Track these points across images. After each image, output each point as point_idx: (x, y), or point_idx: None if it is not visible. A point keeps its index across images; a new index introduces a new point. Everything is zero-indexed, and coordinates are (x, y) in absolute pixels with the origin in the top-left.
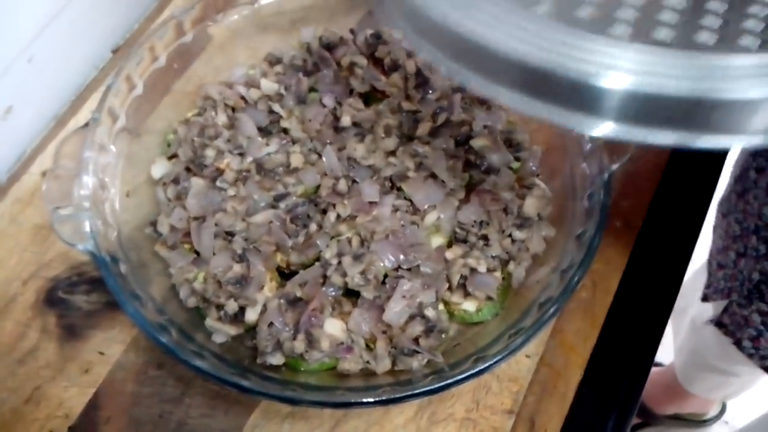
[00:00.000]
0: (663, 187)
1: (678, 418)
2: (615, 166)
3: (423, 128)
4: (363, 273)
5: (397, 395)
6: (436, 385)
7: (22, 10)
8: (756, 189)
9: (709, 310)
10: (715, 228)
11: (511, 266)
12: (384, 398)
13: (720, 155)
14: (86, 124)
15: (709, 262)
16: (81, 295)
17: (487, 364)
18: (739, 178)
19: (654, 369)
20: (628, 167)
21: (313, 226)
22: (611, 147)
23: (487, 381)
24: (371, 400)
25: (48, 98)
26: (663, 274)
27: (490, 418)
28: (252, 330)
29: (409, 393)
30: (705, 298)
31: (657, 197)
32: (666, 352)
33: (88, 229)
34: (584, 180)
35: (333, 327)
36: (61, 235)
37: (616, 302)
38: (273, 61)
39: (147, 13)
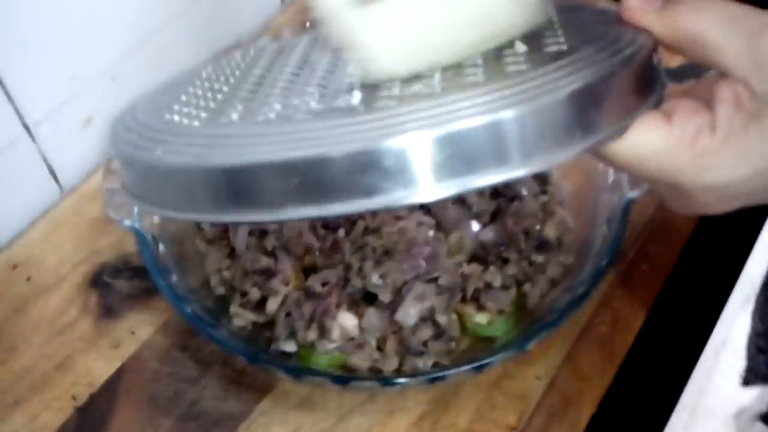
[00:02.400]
0: (696, 239)
1: None
2: (634, 194)
3: None
4: (382, 276)
5: (399, 379)
6: (438, 374)
7: (112, 34)
8: None
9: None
10: (754, 313)
11: (527, 287)
12: (387, 379)
13: (758, 215)
14: None
15: (749, 347)
16: (123, 281)
17: (489, 360)
18: None
19: None
20: (659, 215)
21: (341, 232)
22: (633, 178)
23: (493, 395)
24: (374, 383)
25: None
26: (689, 323)
27: None
28: (270, 324)
29: (409, 377)
30: (746, 382)
31: (688, 249)
32: None
33: (136, 209)
34: (605, 209)
35: (346, 319)
36: (110, 209)
37: (638, 344)
38: None
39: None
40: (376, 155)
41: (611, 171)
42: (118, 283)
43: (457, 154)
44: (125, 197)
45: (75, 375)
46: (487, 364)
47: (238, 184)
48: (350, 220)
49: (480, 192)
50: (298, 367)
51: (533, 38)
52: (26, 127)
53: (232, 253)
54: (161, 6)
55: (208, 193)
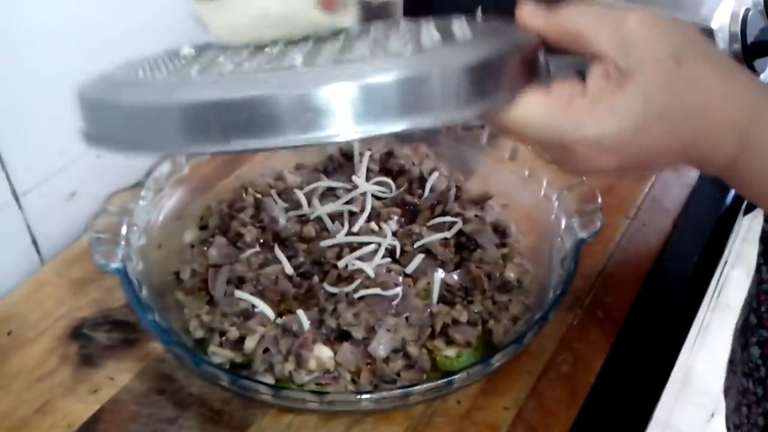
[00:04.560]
0: (647, 289)
1: None
2: (584, 235)
3: (422, 218)
4: (355, 315)
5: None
6: (410, 389)
7: None
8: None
9: None
10: (726, 390)
11: (492, 323)
12: (366, 395)
13: (708, 264)
14: (139, 183)
15: (727, 427)
16: (103, 333)
17: (460, 374)
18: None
19: None
20: (612, 268)
21: (315, 279)
22: (583, 222)
23: (464, 426)
24: (358, 397)
25: (109, 188)
26: (647, 366)
27: None
28: (247, 365)
29: (383, 391)
30: None
31: (640, 298)
32: None
33: (120, 254)
34: (560, 251)
35: (322, 351)
36: (96, 255)
37: (600, 383)
38: (300, 167)
39: None
40: (308, 98)
41: (563, 220)
42: (98, 335)
43: (375, 102)
44: (89, 142)
45: (54, 418)
46: (455, 379)
47: (192, 120)
48: (324, 270)
49: (444, 244)
50: (278, 386)
51: (445, 31)
52: (15, 195)
53: (210, 302)
54: None
55: (168, 128)
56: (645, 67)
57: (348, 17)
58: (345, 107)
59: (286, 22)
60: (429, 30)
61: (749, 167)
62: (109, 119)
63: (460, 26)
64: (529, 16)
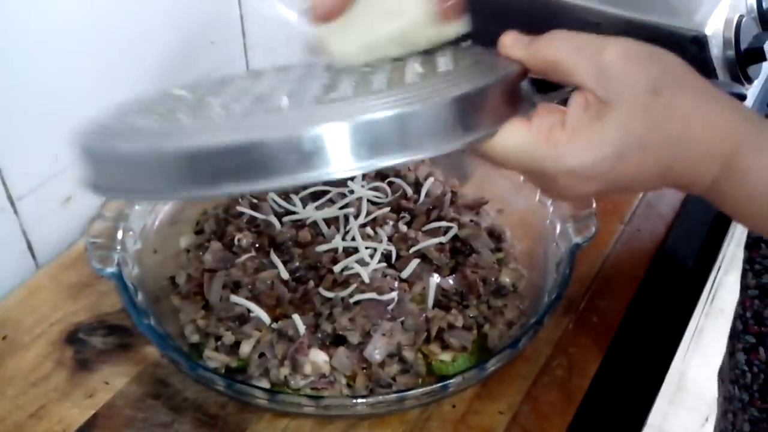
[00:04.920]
0: (642, 293)
1: None
2: (579, 240)
3: (417, 223)
4: (351, 320)
5: (369, 399)
6: (407, 393)
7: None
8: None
9: None
10: (717, 399)
11: (487, 328)
12: (361, 400)
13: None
14: None
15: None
16: (98, 337)
17: (455, 377)
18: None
19: None
20: (606, 273)
21: (311, 284)
22: (578, 227)
23: (460, 429)
24: (354, 401)
25: None
26: (642, 371)
27: None
28: (242, 370)
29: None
30: None
31: (635, 303)
32: None
33: (116, 259)
34: (554, 256)
35: (317, 356)
36: (93, 260)
37: (594, 388)
38: None
39: None
40: (297, 140)
41: (558, 225)
42: (93, 339)
43: (364, 140)
44: (85, 186)
45: (49, 423)
46: (451, 384)
47: (184, 166)
48: (319, 275)
49: (439, 249)
50: (273, 390)
51: (428, 61)
52: (11, 200)
53: (206, 307)
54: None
55: (161, 176)
56: (623, 98)
57: (461, 26)
58: (331, 148)
59: (405, 39)
60: (412, 63)
61: (731, 191)
62: (104, 168)
63: (443, 58)
64: (511, 46)
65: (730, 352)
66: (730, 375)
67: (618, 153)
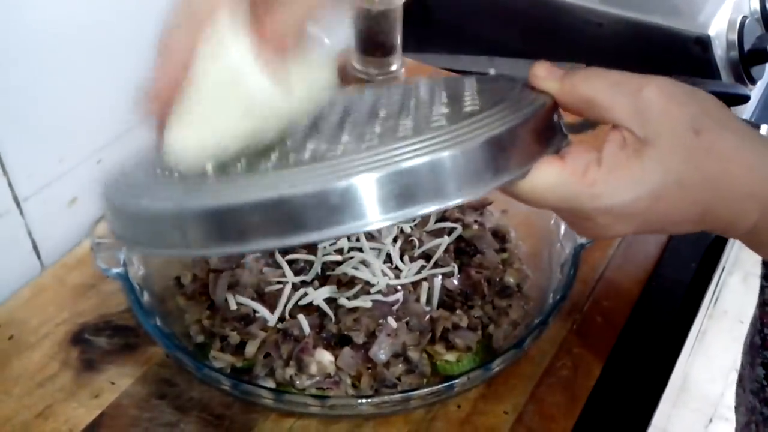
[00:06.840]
0: (646, 294)
1: None
2: (584, 240)
3: (422, 223)
4: (356, 320)
5: (374, 399)
6: (413, 393)
7: (100, 121)
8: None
9: None
10: (737, 407)
11: (491, 328)
12: (366, 399)
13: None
14: None
15: None
16: (104, 338)
17: (461, 377)
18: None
19: None
20: (611, 273)
21: (316, 283)
22: None
23: (465, 429)
24: (359, 401)
25: None
26: (646, 371)
27: None
28: (248, 370)
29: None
30: None
31: (639, 304)
32: None
33: (121, 259)
34: (559, 256)
35: (323, 355)
36: (98, 260)
37: (598, 388)
38: None
39: None
40: (325, 194)
41: (562, 225)
42: (99, 340)
43: (394, 190)
44: (116, 244)
45: (55, 422)
46: (456, 384)
47: (210, 224)
48: (324, 275)
49: (444, 250)
50: (279, 389)
51: (454, 101)
52: (16, 201)
53: (211, 307)
54: None
55: (187, 233)
56: (662, 137)
57: (318, 100)
58: (360, 200)
59: (253, 120)
60: (437, 99)
61: None
62: (131, 225)
63: (468, 93)
64: (544, 78)
65: (750, 363)
66: (750, 386)
67: (656, 192)
